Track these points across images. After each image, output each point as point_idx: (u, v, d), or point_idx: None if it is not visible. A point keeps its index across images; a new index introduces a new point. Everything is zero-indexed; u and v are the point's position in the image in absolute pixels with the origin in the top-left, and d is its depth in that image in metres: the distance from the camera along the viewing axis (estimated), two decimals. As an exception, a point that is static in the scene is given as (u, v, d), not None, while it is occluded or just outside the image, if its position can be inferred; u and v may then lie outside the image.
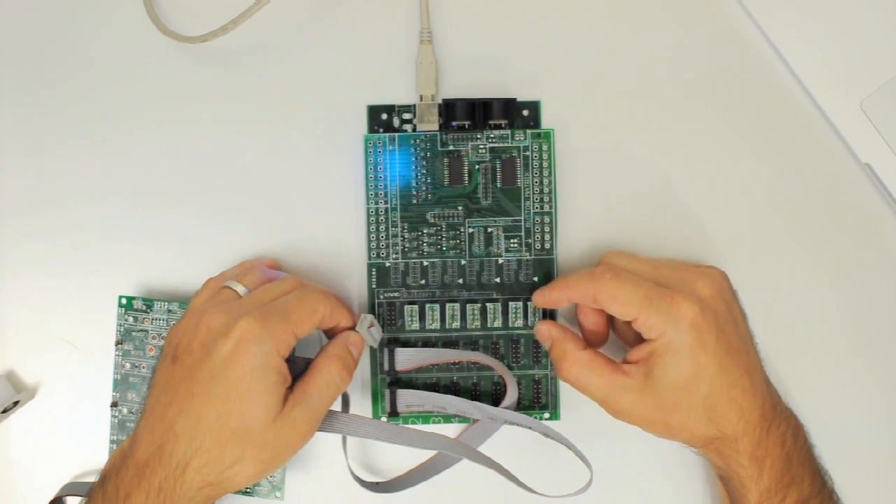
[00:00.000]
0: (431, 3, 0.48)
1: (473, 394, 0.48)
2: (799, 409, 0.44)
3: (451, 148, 0.47)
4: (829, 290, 0.49)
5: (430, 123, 0.47)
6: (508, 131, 0.47)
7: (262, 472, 0.41)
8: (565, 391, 0.48)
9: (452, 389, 0.48)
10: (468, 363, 0.48)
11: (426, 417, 0.48)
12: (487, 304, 0.47)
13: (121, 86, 0.49)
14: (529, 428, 0.46)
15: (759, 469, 0.41)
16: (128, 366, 0.48)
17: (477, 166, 0.47)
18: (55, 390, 0.49)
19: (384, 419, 0.47)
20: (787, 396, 0.44)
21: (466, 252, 0.48)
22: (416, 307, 0.47)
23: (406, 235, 0.47)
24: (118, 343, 0.48)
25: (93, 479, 0.44)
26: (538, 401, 0.48)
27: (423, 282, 0.48)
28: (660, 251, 0.48)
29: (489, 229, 0.47)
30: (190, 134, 0.49)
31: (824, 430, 0.47)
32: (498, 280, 0.48)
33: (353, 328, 0.44)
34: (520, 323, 0.47)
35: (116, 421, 0.48)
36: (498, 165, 0.47)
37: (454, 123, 0.47)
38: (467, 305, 0.47)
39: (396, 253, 0.47)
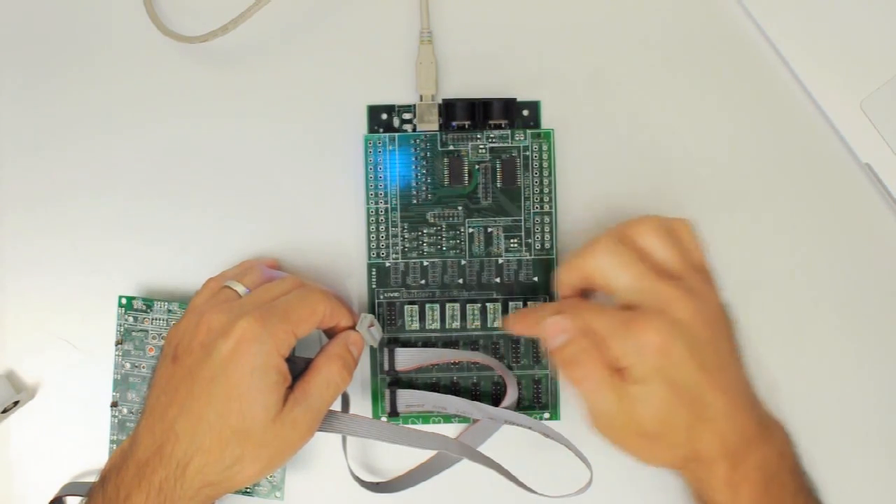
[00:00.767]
0: (431, 3, 0.48)
1: (473, 394, 0.48)
2: (795, 410, 0.44)
3: (451, 148, 0.47)
4: (828, 290, 0.49)
5: (430, 123, 0.47)
6: (508, 131, 0.47)
7: (263, 471, 0.41)
8: (565, 391, 0.48)
9: (452, 389, 0.48)
10: (468, 363, 0.48)
11: (426, 417, 0.48)
12: (487, 304, 0.47)
13: (121, 85, 0.49)
14: (529, 428, 0.46)
15: (733, 495, 0.40)
16: (128, 366, 0.48)
17: (477, 166, 0.47)
18: (55, 390, 0.49)
19: (384, 419, 0.47)
20: (783, 399, 0.44)
21: (466, 252, 0.48)
22: (416, 307, 0.47)
23: (406, 235, 0.47)
24: (118, 343, 0.48)
25: (93, 479, 0.44)
26: (538, 401, 0.48)
27: (423, 282, 0.48)
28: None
29: (489, 229, 0.47)
30: (190, 134, 0.49)
31: (824, 430, 0.48)
32: (498, 280, 0.48)
33: (353, 328, 0.45)
34: (520, 323, 0.47)
35: (116, 421, 0.48)
36: (498, 165, 0.47)
37: (454, 123, 0.47)
38: (467, 305, 0.47)
39: (396, 253, 0.48)
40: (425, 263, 0.48)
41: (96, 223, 0.49)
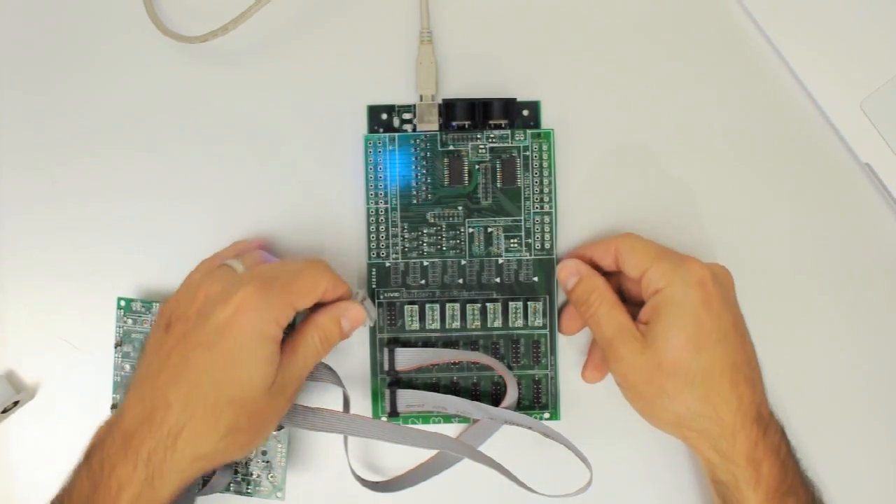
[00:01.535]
0: (431, 3, 0.48)
1: (473, 394, 0.48)
2: (794, 410, 0.44)
3: (451, 148, 0.47)
4: (828, 289, 0.49)
5: (430, 123, 0.47)
6: (508, 131, 0.47)
7: (254, 441, 0.40)
8: (565, 391, 0.48)
9: (452, 389, 0.48)
10: (468, 363, 0.48)
11: (426, 417, 0.48)
12: (487, 304, 0.47)
13: (120, 86, 0.49)
14: (529, 428, 0.46)
15: (756, 472, 0.40)
16: (127, 367, 0.48)
17: (477, 166, 0.47)
18: (55, 390, 0.49)
19: (384, 419, 0.47)
20: (784, 399, 0.44)
21: (466, 252, 0.48)
22: (416, 307, 0.47)
23: (406, 235, 0.47)
24: (117, 345, 0.48)
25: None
26: (538, 401, 0.48)
27: (423, 282, 0.48)
28: (660, 251, 0.48)
29: (489, 229, 0.47)
30: (190, 134, 0.49)
31: (822, 430, 0.48)
32: (498, 280, 0.48)
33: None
34: (520, 323, 0.47)
35: (116, 421, 0.48)
36: (498, 165, 0.47)
37: (454, 123, 0.47)
38: (467, 305, 0.47)
39: (396, 253, 0.47)
40: (425, 263, 0.48)
41: (96, 224, 0.49)
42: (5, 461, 0.49)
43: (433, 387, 0.48)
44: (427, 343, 0.48)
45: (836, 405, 0.48)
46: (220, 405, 0.38)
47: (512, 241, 0.48)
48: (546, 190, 0.47)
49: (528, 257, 0.48)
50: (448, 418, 0.48)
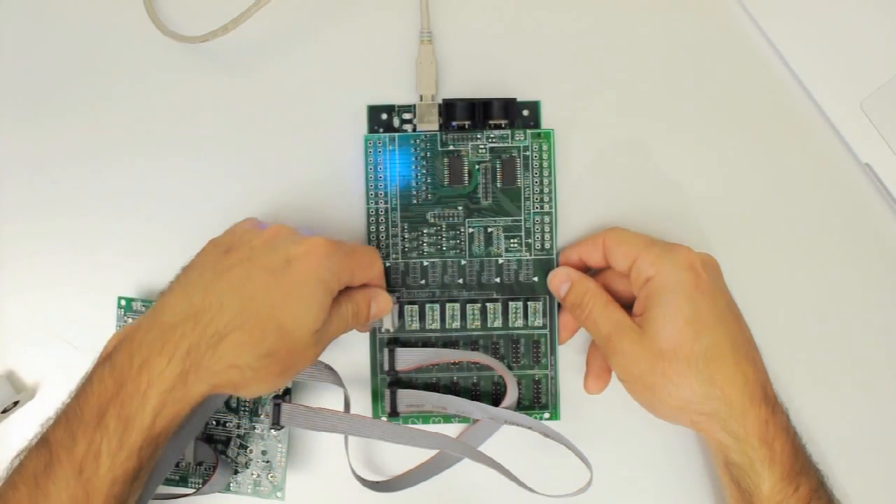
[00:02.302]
0: (431, 3, 0.48)
1: (473, 394, 0.48)
2: (792, 408, 0.44)
3: (451, 148, 0.47)
4: (828, 289, 0.49)
5: (430, 123, 0.47)
6: (508, 131, 0.47)
7: (282, 376, 0.39)
8: (565, 391, 0.48)
9: (452, 389, 0.48)
10: (468, 363, 0.48)
11: (426, 417, 0.48)
12: (487, 304, 0.47)
13: (121, 86, 0.49)
14: (529, 428, 0.46)
15: (770, 451, 0.40)
16: (128, 366, 0.48)
17: (477, 166, 0.47)
18: (55, 390, 0.49)
19: (384, 419, 0.47)
20: (785, 396, 0.44)
21: (466, 252, 0.48)
22: (415, 307, 0.47)
23: (406, 235, 0.47)
24: (118, 343, 0.48)
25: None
26: (538, 401, 0.48)
27: (423, 282, 0.48)
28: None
29: (489, 229, 0.47)
30: (190, 134, 0.49)
31: (821, 430, 0.48)
32: (498, 280, 0.48)
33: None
34: (520, 323, 0.47)
35: (116, 421, 0.48)
36: (498, 165, 0.47)
37: (454, 123, 0.47)
38: (467, 305, 0.47)
39: (396, 253, 0.47)
40: (425, 263, 0.48)
41: (96, 224, 0.49)
42: (5, 461, 0.49)
43: (433, 387, 0.48)
44: (427, 343, 0.48)
45: (836, 405, 0.48)
46: (268, 327, 0.38)
47: (512, 241, 0.48)
48: (546, 190, 0.47)
49: (528, 257, 0.48)
50: (448, 418, 0.48)
